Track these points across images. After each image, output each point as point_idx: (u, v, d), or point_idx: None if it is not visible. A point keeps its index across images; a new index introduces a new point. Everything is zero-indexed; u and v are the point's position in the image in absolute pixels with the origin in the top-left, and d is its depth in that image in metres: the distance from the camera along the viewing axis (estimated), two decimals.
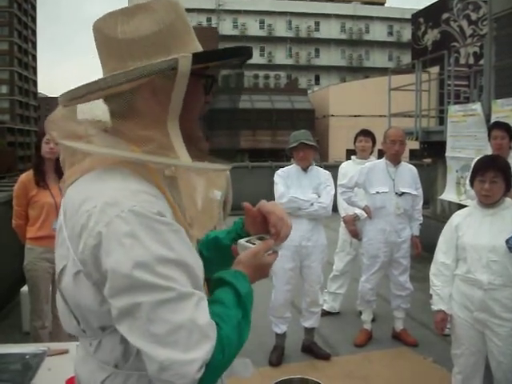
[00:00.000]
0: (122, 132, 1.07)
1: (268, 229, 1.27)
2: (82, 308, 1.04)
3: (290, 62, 54.19)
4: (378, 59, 55.26)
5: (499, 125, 4.42)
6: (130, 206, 0.96)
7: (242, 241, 1.24)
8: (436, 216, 8.20)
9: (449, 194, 7.18)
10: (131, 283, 0.93)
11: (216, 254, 1.32)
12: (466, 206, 3.27)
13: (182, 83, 1.01)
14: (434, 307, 3.07)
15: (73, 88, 1.06)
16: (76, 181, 1.10)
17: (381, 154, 4.80)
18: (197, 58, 1.01)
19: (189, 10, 48.13)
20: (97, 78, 1.03)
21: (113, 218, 0.95)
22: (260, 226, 1.29)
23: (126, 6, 1.10)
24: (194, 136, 1.13)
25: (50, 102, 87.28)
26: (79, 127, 1.08)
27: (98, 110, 1.13)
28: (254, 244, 1.22)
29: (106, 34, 1.06)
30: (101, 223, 0.96)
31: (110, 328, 1.04)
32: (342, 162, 5.98)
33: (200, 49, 1.11)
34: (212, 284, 1.14)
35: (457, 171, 6.94)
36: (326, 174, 4.29)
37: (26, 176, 3.86)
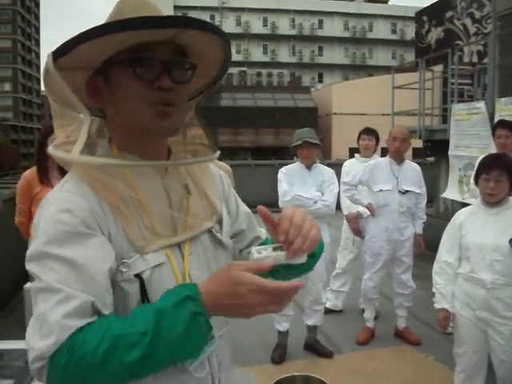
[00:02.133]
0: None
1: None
2: None
3: (293, 59, 54.14)
4: (382, 57, 55.18)
5: (504, 123, 4.41)
6: (51, 202, 1.04)
7: (254, 248, 1.06)
8: (439, 214, 8.20)
9: (451, 193, 7.17)
10: (29, 270, 0.99)
11: None
12: (469, 205, 3.27)
13: (53, 79, 1.01)
14: (437, 305, 3.07)
15: None
16: None
17: (384, 153, 4.80)
18: (57, 51, 0.99)
19: (192, 8, 48.13)
20: None
21: (43, 213, 1.03)
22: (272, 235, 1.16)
23: None
24: (135, 126, 1.09)
25: None
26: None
27: None
28: (261, 253, 1.03)
29: None
30: (37, 219, 1.05)
31: None
32: (345, 160, 5.97)
33: None
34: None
35: (459, 170, 6.93)
36: (329, 172, 4.29)
37: (30, 173, 3.87)
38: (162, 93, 1.05)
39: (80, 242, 0.98)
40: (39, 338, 0.92)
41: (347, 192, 4.69)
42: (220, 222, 1.25)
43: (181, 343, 0.93)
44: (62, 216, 1.00)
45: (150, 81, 1.05)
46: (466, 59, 11.81)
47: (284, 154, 21.84)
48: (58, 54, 0.99)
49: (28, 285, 4.40)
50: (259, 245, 1.19)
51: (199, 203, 1.22)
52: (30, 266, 0.98)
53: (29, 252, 0.99)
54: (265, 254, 1.02)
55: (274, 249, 1.06)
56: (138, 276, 1.03)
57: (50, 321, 0.92)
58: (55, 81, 1.01)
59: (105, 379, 0.92)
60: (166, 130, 1.10)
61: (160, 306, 0.94)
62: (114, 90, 1.08)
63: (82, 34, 0.97)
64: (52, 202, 1.03)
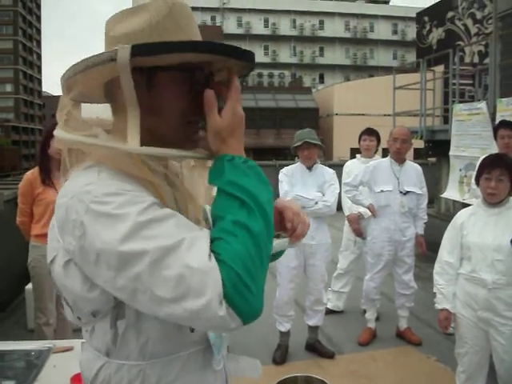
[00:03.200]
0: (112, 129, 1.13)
1: (284, 227, 1.22)
2: (73, 295, 1.06)
3: (294, 60, 54.09)
4: (383, 58, 55.13)
5: (506, 124, 4.39)
6: (101, 191, 0.98)
7: None
8: (440, 215, 8.19)
9: (451, 193, 7.16)
10: (122, 256, 0.92)
11: None
12: (470, 205, 3.27)
13: (124, 74, 0.99)
14: (438, 306, 3.07)
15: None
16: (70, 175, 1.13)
17: (385, 153, 4.80)
18: (139, 49, 0.98)
19: (193, 9, 47.63)
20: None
21: (89, 204, 0.97)
22: (276, 225, 1.20)
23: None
24: (165, 134, 1.10)
25: (55, 101, 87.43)
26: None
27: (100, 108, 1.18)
28: None
29: (105, 31, 1.11)
30: (81, 212, 0.97)
31: (100, 313, 1.06)
32: (347, 160, 5.97)
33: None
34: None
35: (460, 170, 6.92)
36: (330, 173, 4.29)
37: (32, 174, 3.88)
38: (200, 112, 1.08)
39: (158, 207, 0.99)
40: (202, 290, 0.90)
41: (348, 193, 4.69)
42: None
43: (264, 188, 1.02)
44: (130, 192, 0.99)
45: (194, 98, 1.08)
46: (467, 59, 11.82)
47: (285, 155, 21.84)
48: (139, 53, 0.98)
49: (29, 286, 4.41)
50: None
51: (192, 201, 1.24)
52: (130, 246, 0.92)
53: (118, 236, 0.93)
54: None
55: (274, 236, 1.10)
56: None
57: (196, 267, 0.90)
58: (121, 72, 0.99)
59: (264, 261, 0.97)
60: (192, 146, 1.13)
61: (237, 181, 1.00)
62: (156, 95, 1.08)
63: (173, 43, 1.01)
64: (104, 190, 0.99)
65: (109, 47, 1.06)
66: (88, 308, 1.06)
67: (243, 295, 0.91)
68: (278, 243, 1.15)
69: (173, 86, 1.08)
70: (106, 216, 0.95)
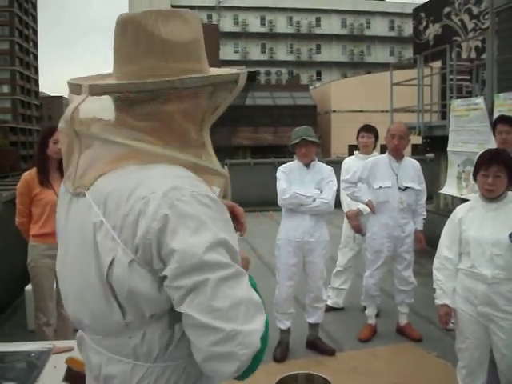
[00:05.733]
0: (149, 133, 1.11)
1: (238, 223, 1.35)
2: (138, 296, 1.04)
3: (291, 58, 54.06)
4: (380, 54, 55.11)
5: (504, 119, 4.36)
6: (189, 190, 1.02)
7: None
8: (439, 210, 8.19)
9: (449, 189, 7.16)
10: (202, 262, 0.97)
11: None
12: (468, 201, 3.27)
13: (234, 95, 1.13)
14: (438, 301, 3.07)
15: (125, 82, 1.09)
16: (105, 174, 1.11)
17: (384, 150, 4.80)
18: (244, 76, 1.14)
19: (189, 7, 47.84)
20: (171, 78, 1.08)
21: (175, 201, 1.00)
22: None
23: (164, 8, 1.16)
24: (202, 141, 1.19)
25: (52, 101, 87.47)
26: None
27: (100, 107, 1.14)
28: None
29: (150, 30, 1.10)
30: (164, 206, 0.99)
31: (157, 315, 1.07)
32: (345, 157, 5.97)
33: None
34: None
35: (458, 165, 6.91)
36: (328, 170, 4.28)
37: (29, 174, 3.87)
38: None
39: (230, 227, 1.09)
40: (251, 321, 1.00)
41: (347, 190, 4.69)
42: None
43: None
44: (213, 203, 1.05)
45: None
46: (464, 55, 11.80)
47: (283, 153, 21.82)
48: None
49: (29, 287, 4.41)
50: None
51: None
52: (212, 256, 0.99)
53: (204, 242, 0.99)
54: None
55: None
56: None
57: (255, 300, 1.03)
58: (234, 93, 1.15)
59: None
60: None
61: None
62: (210, 107, 1.17)
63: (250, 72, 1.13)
64: (191, 190, 1.03)
65: (168, 51, 1.10)
66: (151, 310, 1.06)
67: (265, 347, 1.04)
68: None
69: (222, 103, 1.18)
70: (195, 219, 1.00)
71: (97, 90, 1.09)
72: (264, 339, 1.03)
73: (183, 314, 1.00)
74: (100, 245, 1.05)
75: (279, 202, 4.23)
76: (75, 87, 1.15)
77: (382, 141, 5.03)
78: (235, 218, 1.33)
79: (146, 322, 1.07)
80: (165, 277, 1.00)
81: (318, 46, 55.40)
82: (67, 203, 1.21)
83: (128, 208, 1.02)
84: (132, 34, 1.11)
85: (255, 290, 1.09)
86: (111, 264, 1.04)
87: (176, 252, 0.97)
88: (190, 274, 0.97)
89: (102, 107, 1.14)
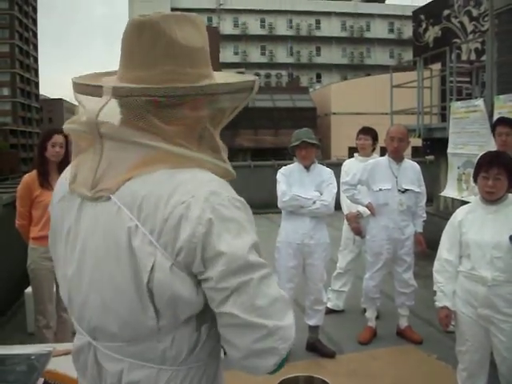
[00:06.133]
0: (174, 137, 1.10)
1: None
2: (178, 301, 1.04)
3: (291, 60, 54.14)
4: (380, 57, 55.20)
5: (504, 121, 4.36)
6: (225, 195, 1.06)
7: None
8: (439, 213, 8.19)
9: (450, 191, 7.16)
10: (247, 263, 1.03)
11: None
12: (468, 203, 3.26)
13: (246, 101, 1.17)
14: (438, 304, 3.06)
15: (154, 86, 1.06)
16: (133, 178, 1.07)
17: (383, 152, 4.80)
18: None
19: (189, 10, 48.08)
20: (201, 83, 1.11)
21: (216, 205, 1.03)
22: None
23: (176, 12, 1.18)
24: (216, 144, 1.21)
25: (52, 104, 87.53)
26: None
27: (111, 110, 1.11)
28: None
29: (168, 34, 1.09)
30: (208, 211, 1.02)
31: (189, 318, 1.09)
32: (345, 159, 5.98)
33: None
34: None
35: (458, 168, 6.91)
36: (328, 172, 4.28)
37: (30, 177, 3.88)
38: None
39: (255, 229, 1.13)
40: (285, 316, 1.07)
41: (347, 192, 4.69)
42: None
43: None
44: (245, 207, 1.11)
45: None
46: (464, 57, 11.83)
47: (283, 155, 21.82)
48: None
49: (29, 289, 4.41)
50: None
51: None
52: (253, 257, 1.05)
53: (247, 244, 1.05)
54: None
55: None
56: None
57: (285, 296, 1.11)
58: (248, 99, 1.19)
59: None
60: None
61: None
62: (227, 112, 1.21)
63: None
64: (228, 195, 1.08)
65: (186, 56, 1.10)
66: (188, 312, 1.08)
67: (289, 353, 1.09)
68: None
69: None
70: (235, 223, 1.04)
71: (121, 92, 1.07)
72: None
73: (223, 314, 1.04)
74: (137, 250, 1.03)
75: (279, 205, 4.23)
76: (83, 87, 1.12)
77: (382, 143, 5.03)
78: None
79: (177, 325, 1.08)
80: (205, 279, 1.03)
81: (318, 49, 55.50)
82: (76, 208, 1.17)
83: (167, 212, 1.01)
84: (149, 38, 1.09)
85: None
86: (152, 269, 1.02)
87: (224, 254, 1.01)
88: (236, 275, 1.02)
89: (116, 110, 1.11)
